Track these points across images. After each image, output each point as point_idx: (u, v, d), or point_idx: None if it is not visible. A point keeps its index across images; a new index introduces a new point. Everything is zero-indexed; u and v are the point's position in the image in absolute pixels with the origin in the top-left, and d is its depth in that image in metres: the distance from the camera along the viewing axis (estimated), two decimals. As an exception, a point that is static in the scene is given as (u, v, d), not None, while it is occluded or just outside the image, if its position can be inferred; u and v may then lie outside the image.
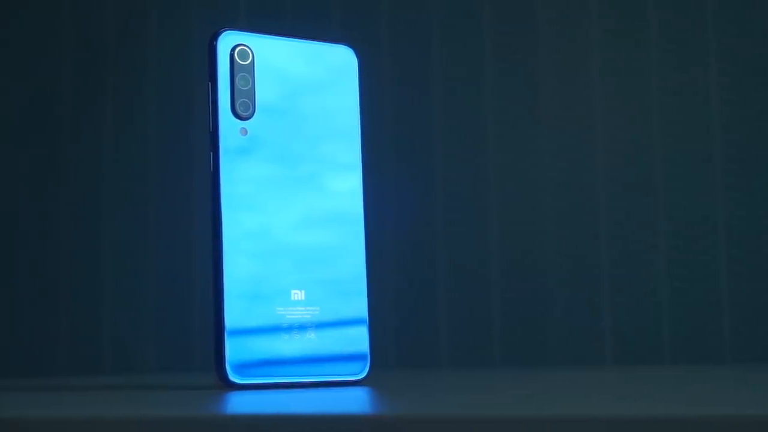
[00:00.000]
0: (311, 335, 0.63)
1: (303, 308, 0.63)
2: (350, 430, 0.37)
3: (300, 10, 1.22)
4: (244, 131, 0.63)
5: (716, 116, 1.09)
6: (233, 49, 0.63)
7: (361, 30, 1.20)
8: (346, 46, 0.67)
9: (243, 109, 0.63)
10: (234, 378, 0.60)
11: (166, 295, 1.24)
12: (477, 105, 1.16)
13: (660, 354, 1.08)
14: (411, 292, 1.15)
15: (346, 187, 0.65)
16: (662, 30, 1.11)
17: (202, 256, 1.23)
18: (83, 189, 1.29)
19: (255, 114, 0.63)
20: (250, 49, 0.64)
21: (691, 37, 1.10)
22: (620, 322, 1.10)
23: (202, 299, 1.23)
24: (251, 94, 0.63)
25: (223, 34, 0.64)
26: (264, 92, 0.64)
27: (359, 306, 0.65)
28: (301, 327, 0.63)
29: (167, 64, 1.27)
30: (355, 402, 0.45)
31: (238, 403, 0.46)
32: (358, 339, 0.64)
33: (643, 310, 1.09)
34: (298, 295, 0.63)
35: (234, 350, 0.60)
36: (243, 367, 0.60)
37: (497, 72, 1.15)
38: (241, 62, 0.63)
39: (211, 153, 0.62)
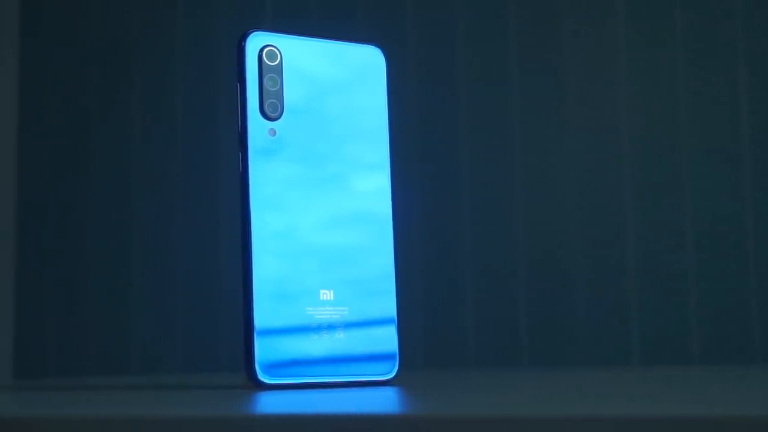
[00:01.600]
0: (340, 335, 0.63)
1: (332, 308, 0.63)
2: (380, 430, 0.37)
3: (325, 9, 1.22)
4: (273, 132, 0.63)
5: (744, 116, 1.09)
6: (261, 50, 0.64)
7: (387, 30, 1.20)
8: (374, 47, 0.67)
9: (271, 110, 0.63)
10: (263, 378, 0.60)
11: (193, 296, 1.25)
12: (502, 105, 1.15)
13: (687, 354, 1.08)
14: (438, 292, 1.15)
15: (373, 186, 0.65)
16: (688, 30, 1.10)
17: (229, 256, 1.23)
18: (111, 189, 1.30)
19: (283, 115, 0.63)
20: (278, 49, 0.64)
21: (718, 37, 1.10)
22: (646, 322, 1.09)
23: (229, 300, 1.23)
24: (279, 95, 0.64)
25: (252, 35, 0.64)
26: (292, 93, 0.64)
27: (388, 306, 0.65)
28: (330, 327, 0.63)
29: (194, 65, 1.28)
30: (385, 402, 0.45)
31: (268, 403, 0.46)
32: (387, 339, 0.64)
33: (669, 310, 1.09)
34: (326, 295, 0.63)
35: (263, 350, 0.60)
36: (272, 367, 0.60)
37: (522, 72, 1.15)
38: (269, 63, 0.64)
39: (240, 153, 0.62)
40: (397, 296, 1.16)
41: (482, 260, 1.14)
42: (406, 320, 1.16)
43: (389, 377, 0.64)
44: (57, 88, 1.34)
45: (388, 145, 0.67)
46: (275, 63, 0.64)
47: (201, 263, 1.25)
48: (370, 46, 0.67)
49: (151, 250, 1.27)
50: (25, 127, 1.35)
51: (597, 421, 0.34)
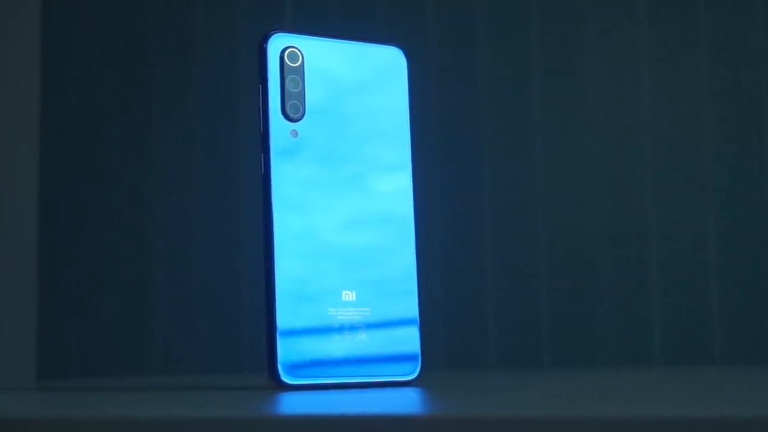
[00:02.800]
0: (362, 336, 0.63)
1: (354, 309, 0.63)
2: (403, 431, 0.37)
3: (346, 10, 1.23)
4: (295, 133, 0.63)
5: (766, 116, 1.08)
6: (283, 52, 0.64)
7: (407, 30, 1.20)
8: (395, 47, 0.67)
9: (293, 111, 0.63)
10: (286, 378, 0.60)
11: (214, 296, 1.25)
12: (524, 105, 1.15)
13: (710, 355, 1.08)
14: (459, 293, 1.15)
15: (395, 187, 0.65)
16: (711, 30, 1.10)
17: (251, 256, 1.24)
18: (132, 190, 1.30)
19: (305, 116, 0.64)
20: (299, 51, 0.64)
21: (741, 38, 1.09)
22: (668, 322, 1.09)
23: (251, 300, 1.23)
24: (301, 96, 0.64)
25: (273, 36, 0.64)
26: (314, 94, 0.64)
27: (410, 306, 0.65)
28: (353, 327, 0.63)
29: (214, 65, 1.28)
30: (408, 403, 0.45)
31: (291, 404, 0.46)
32: (409, 339, 0.64)
33: (691, 310, 1.08)
34: (349, 295, 0.63)
35: (286, 351, 0.60)
36: (295, 368, 0.61)
37: (545, 72, 1.15)
38: (291, 64, 0.64)
39: (262, 155, 0.63)
40: (419, 297, 1.16)
41: (504, 260, 1.14)
42: (427, 320, 1.16)
43: (411, 378, 0.64)
44: (76, 88, 1.34)
45: (410, 145, 0.67)
46: (297, 64, 0.64)
47: (222, 263, 1.25)
48: (391, 46, 0.67)
49: (172, 251, 1.27)
50: (45, 128, 1.36)
51: (618, 423, 0.34)
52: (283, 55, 0.64)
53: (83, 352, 1.31)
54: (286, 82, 0.63)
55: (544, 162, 1.14)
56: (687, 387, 0.53)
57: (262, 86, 0.63)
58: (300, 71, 0.64)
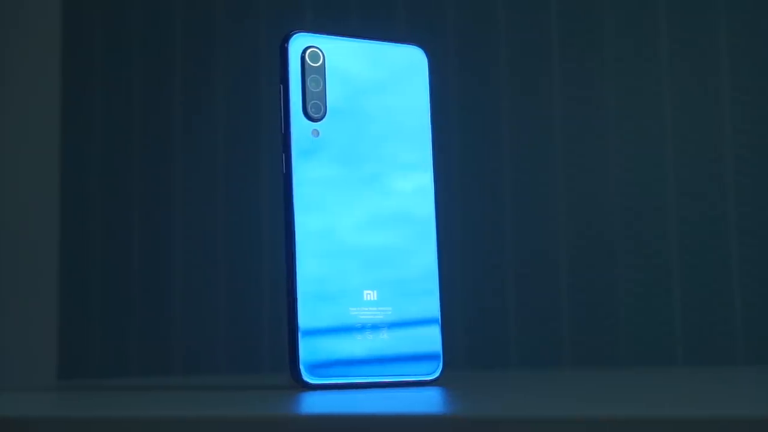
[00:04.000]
0: (384, 335, 0.63)
1: (375, 308, 0.63)
2: (426, 430, 0.37)
3: (365, 10, 1.23)
4: (316, 133, 0.63)
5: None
6: (304, 51, 0.64)
7: (427, 29, 1.20)
8: (416, 47, 0.67)
9: (314, 111, 0.63)
10: (308, 378, 0.60)
11: (235, 297, 1.25)
12: (544, 104, 1.15)
13: (732, 355, 1.07)
14: (478, 292, 1.15)
15: (416, 186, 0.65)
16: (732, 36, 1.10)
17: (272, 256, 1.24)
18: (153, 191, 1.30)
19: (326, 115, 0.64)
20: (320, 50, 0.64)
21: (762, 44, 1.09)
22: (690, 322, 1.09)
23: (272, 300, 1.23)
24: (322, 96, 0.64)
25: (294, 36, 0.64)
26: (335, 94, 0.64)
27: (431, 305, 0.65)
28: (374, 327, 0.63)
29: (235, 65, 1.28)
30: (430, 402, 0.45)
31: (313, 404, 0.46)
32: (431, 339, 0.64)
33: (714, 310, 1.08)
34: (370, 295, 0.63)
35: (308, 351, 0.61)
36: (317, 368, 0.61)
37: (564, 71, 1.15)
38: (312, 64, 0.64)
39: (283, 154, 0.63)
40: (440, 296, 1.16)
41: (524, 260, 1.14)
42: (446, 320, 1.16)
43: (433, 377, 0.64)
44: (98, 90, 1.35)
45: (431, 145, 0.67)
46: (318, 64, 0.64)
47: (242, 264, 1.25)
48: (412, 46, 0.67)
49: (193, 252, 1.28)
50: (67, 128, 1.36)
51: (640, 422, 0.34)
52: (305, 55, 0.64)
53: (104, 353, 1.31)
54: (308, 81, 0.63)
55: (564, 161, 1.14)
56: (710, 387, 0.53)
57: (283, 86, 0.63)
58: (321, 71, 0.64)
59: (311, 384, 0.60)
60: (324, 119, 0.63)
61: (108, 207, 1.33)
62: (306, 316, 0.61)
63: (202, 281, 1.27)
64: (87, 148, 1.35)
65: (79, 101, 1.36)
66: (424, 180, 0.66)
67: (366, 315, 0.63)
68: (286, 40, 0.64)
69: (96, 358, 1.31)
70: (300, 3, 1.26)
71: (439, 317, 0.65)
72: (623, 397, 0.45)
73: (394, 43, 0.67)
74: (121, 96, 1.34)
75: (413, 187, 0.65)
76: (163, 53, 1.32)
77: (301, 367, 0.60)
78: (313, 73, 0.64)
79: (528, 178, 1.15)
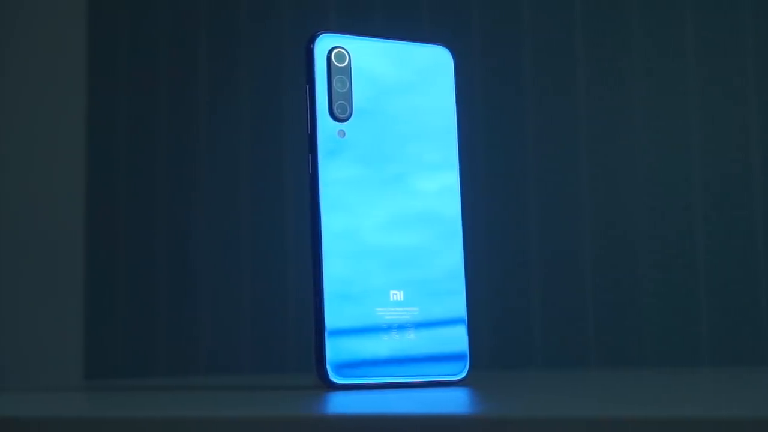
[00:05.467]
0: (411, 335, 0.63)
1: (402, 308, 0.63)
2: (451, 430, 0.37)
3: (389, 10, 1.23)
4: (342, 133, 0.63)
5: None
6: (330, 52, 0.64)
7: (452, 29, 1.20)
8: (441, 47, 0.67)
9: (340, 111, 0.63)
10: (334, 378, 0.60)
11: (260, 297, 1.25)
12: (569, 104, 1.15)
13: (759, 355, 1.07)
14: (503, 292, 1.15)
15: (442, 186, 0.65)
16: (758, 37, 1.09)
17: (296, 256, 1.24)
18: (178, 192, 1.31)
19: (352, 116, 0.64)
20: (346, 51, 0.64)
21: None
22: (715, 322, 1.08)
23: (296, 300, 1.23)
24: (348, 96, 0.64)
25: (320, 37, 0.64)
26: (361, 94, 0.64)
27: (458, 305, 0.65)
28: (401, 327, 0.63)
29: (258, 65, 1.28)
30: (457, 402, 0.45)
31: (341, 404, 0.46)
32: (458, 339, 0.64)
33: (740, 310, 1.08)
34: (396, 295, 0.63)
35: (334, 351, 0.61)
36: (343, 368, 0.61)
37: (590, 71, 1.15)
38: (338, 65, 0.64)
39: (309, 155, 0.63)
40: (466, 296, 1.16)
41: (548, 260, 1.14)
42: (471, 320, 1.16)
43: (460, 377, 0.64)
44: (123, 90, 1.35)
45: (457, 145, 0.67)
46: (344, 64, 0.64)
47: (267, 263, 1.25)
48: (438, 46, 0.67)
49: (218, 251, 1.28)
50: (92, 128, 1.37)
51: (665, 423, 0.34)
52: (330, 56, 0.64)
53: (129, 353, 1.32)
54: (333, 82, 0.63)
55: (589, 162, 1.14)
56: (734, 388, 0.53)
57: (309, 87, 0.63)
58: (347, 71, 0.64)
59: (338, 384, 0.60)
60: (350, 120, 0.63)
61: (133, 207, 1.33)
62: (333, 317, 0.61)
63: (227, 281, 1.27)
64: (112, 149, 1.35)
65: (105, 102, 1.36)
66: (451, 180, 0.66)
67: (392, 315, 0.63)
68: (311, 40, 0.64)
69: (121, 358, 1.32)
70: (323, 3, 1.26)
71: (466, 317, 0.65)
72: (649, 398, 0.45)
73: (420, 43, 0.67)
74: (146, 96, 1.34)
75: (439, 187, 0.65)
76: (188, 54, 1.32)
77: (328, 367, 0.60)
78: (339, 74, 0.64)
79: (553, 177, 1.15)
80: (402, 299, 0.63)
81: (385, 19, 1.23)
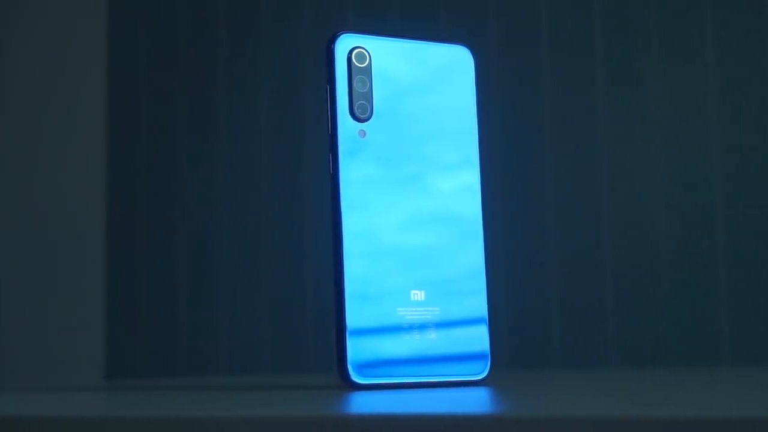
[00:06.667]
0: (432, 335, 0.63)
1: (423, 308, 0.63)
2: (474, 430, 0.37)
3: (407, 10, 1.23)
4: (363, 133, 0.63)
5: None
6: (350, 52, 0.64)
7: (470, 28, 1.20)
8: (462, 46, 0.67)
9: (361, 112, 0.63)
10: (356, 378, 0.60)
11: (280, 297, 1.25)
12: (587, 104, 1.15)
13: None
14: (523, 292, 1.15)
15: (463, 186, 0.65)
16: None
17: (316, 256, 1.24)
18: (199, 192, 1.31)
19: (373, 116, 0.64)
20: (367, 51, 0.64)
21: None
22: (737, 322, 1.08)
23: (316, 300, 1.24)
24: (369, 96, 0.64)
25: (341, 37, 0.64)
26: (381, 94, 0.64)
27: (479, 305, 0.65)
28: (422, 327, 0.63)
29: (278, 65, 1.29)
30: (479, 402, 0.45)
31: (362, 403, 0.46)
32: (479, 338, 0.64)
33: (761, 309, 1.07)
34: (418, 295, 0.63)
35: (355, 351, 0.61)
36: (364, 367, 0.61)
37: (608, 70, 1.14)
38: (358, 65, 0.64)
39: (330, 155, 0.63)
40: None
41: (567, 260, 1.14)
42: (491, 320, 1.16)
43: (481, 377, 0.64)
44: (143, 90, 1.36)
45: (477, 145, 0.67)
46: (364, 65, 0.64)
47: (287, 264, 1.26)
48: (458, 45, 0.67)
49: (238, 251, 1.28)
50: (113, 128, 1.37)
51: (685, 423, 0.34)
52: (351, 56, 0.64)
53: (151, 353, 1.32)
54: (354, 82, 0.63)
55: (608, 161, 1.13)
56: (755, 387, 0.53)
57: (329, 87, 0.63)
58: (367, 71, 0.64)
59: (359, 384, 0.60)
60: (370, 120, 0.63)
61: (154, 207, 1.33)
62: (354, 316, 0.61)
63: (247, 281, 1.27)
64: (132, 149, 1.35)
65: (125, 102, 1.37)
66: (471, 180, 0.66)
67: (413, 315, 0.63)
68: (332, 40, 0.64)
69: (142, 359, 1.32)
70: (342, 3, 1.26)
71: (487, 317, 0.65)
72: (669, 399, 0.44)
73: (440, 43, 0.67)
74: (166, 97, 1.34)
75: (460, 187, 0.65)
76: (208, 54, 1.33)
77: (349, 366, 0.60)
78: (360, 74, 0.64)
79: (571, 177, 1.14)
80: (423, 299, 0.63)
81: (402, 19, 1.23)
